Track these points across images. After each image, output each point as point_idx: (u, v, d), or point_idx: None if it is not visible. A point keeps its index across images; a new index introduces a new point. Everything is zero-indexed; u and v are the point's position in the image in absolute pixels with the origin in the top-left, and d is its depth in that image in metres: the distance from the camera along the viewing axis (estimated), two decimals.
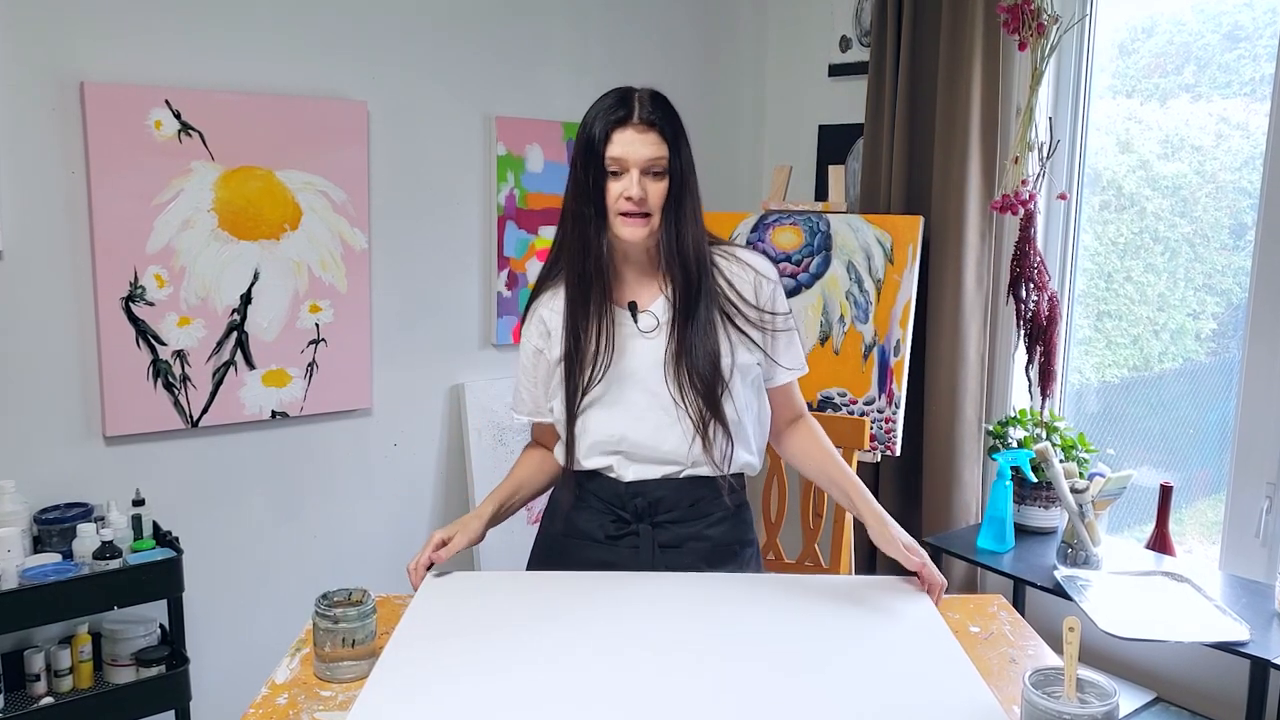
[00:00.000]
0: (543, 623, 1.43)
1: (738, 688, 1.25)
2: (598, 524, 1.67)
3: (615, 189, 1.56)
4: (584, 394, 1.62)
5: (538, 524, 1.84)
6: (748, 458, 1.68)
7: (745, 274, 1.68)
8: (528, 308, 1.72)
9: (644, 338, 1.64)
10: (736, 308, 1.65)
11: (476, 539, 1.67)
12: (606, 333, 1.61)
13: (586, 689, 1.25)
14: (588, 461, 1.65)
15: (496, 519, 1.73)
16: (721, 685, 1.25)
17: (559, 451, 1.70)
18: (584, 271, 1.59)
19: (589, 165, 1.56)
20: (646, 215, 1.57)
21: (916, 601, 1.53)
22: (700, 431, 1.60)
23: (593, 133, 1.55)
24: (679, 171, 1.57)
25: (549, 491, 1.80)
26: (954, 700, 1.24)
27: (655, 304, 1.65)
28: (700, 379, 1.60)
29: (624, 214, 1.56)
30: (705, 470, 1.64)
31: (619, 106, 1.56)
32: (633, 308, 1.65)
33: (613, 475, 1.65)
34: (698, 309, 1.61)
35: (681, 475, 1.64)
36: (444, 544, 1.63)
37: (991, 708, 1.22)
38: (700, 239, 1.62)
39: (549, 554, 1.75)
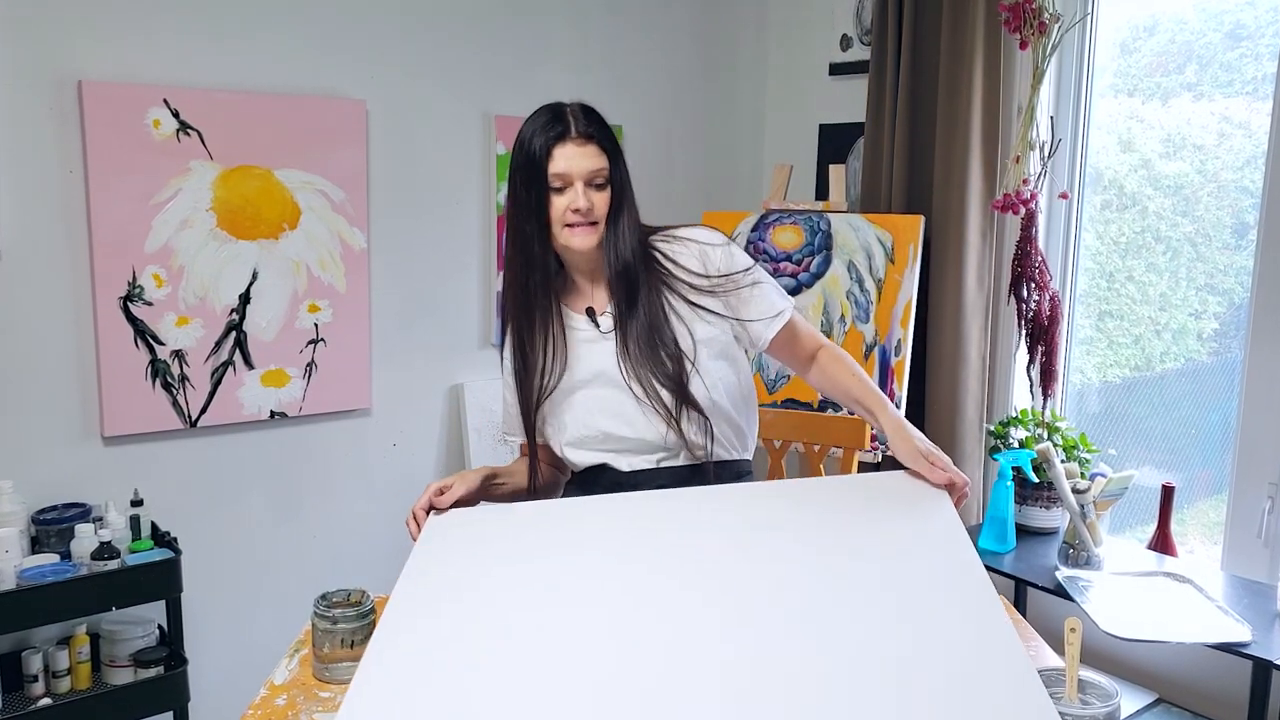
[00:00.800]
0: (557, 554, 1.38)
1: (747, 620, 1.20)
2: None
3: (560, 203, 1.59)
4: (540, 402, 1.67)
5: None
6: (736, 433, 1.69)
7: (688, 250, 1.71)
8: (504, 329, 1.75)
9: (604, 340, 1.67)
10: (685, 283, 1.67)
11: (474, 490, 1.66)
12: (555, 340, 1.66)
13: (587, 637, 1.20)
14: (578, 458, 1.67)
15: (493, 484, 1.72)
16: (733, 627, 1.20)
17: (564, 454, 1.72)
18: (528, 284, 1.64)
19: (531, 182, 1.59)
20: (594, 224, 1.61)
21: (936, 504, 1.48)
22: (673, 419, 1.61)
23: (532, 150, 1.59)
24: (619, 181, 1.63)
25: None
26: (973, 631, 1.17)
27: (611, 307, 1.69)
28: (659, 369, 1.62)
29: (570, 225, 1.60)
30: (690, 457, 1.65)
31: (555, 122, 1.59)
32: (590, 313, 1.68)
33: (613, 466, 1.67)
34: (637, 304, 1.64)
35: (678, 464, 1.65)
36: (442, 492, 1.64)
37: (1011, 642, 1.13)
38: (635, 240, 1.66)
39: None
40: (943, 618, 1.21)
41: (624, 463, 1.65)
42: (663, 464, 1.65)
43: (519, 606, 1.27)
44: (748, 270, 1.71)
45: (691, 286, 1.67)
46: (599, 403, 1.65)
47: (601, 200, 1.61)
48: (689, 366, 1.63)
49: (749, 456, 1.76)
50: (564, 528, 1.48)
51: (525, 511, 1.60)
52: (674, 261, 1.69)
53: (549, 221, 1.61)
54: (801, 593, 1.27)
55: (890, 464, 2.90)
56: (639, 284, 1.65)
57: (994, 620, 1.18)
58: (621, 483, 1.65)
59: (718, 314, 1.67)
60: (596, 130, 1.60)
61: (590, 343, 1.67)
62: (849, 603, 1.24)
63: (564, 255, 1.65)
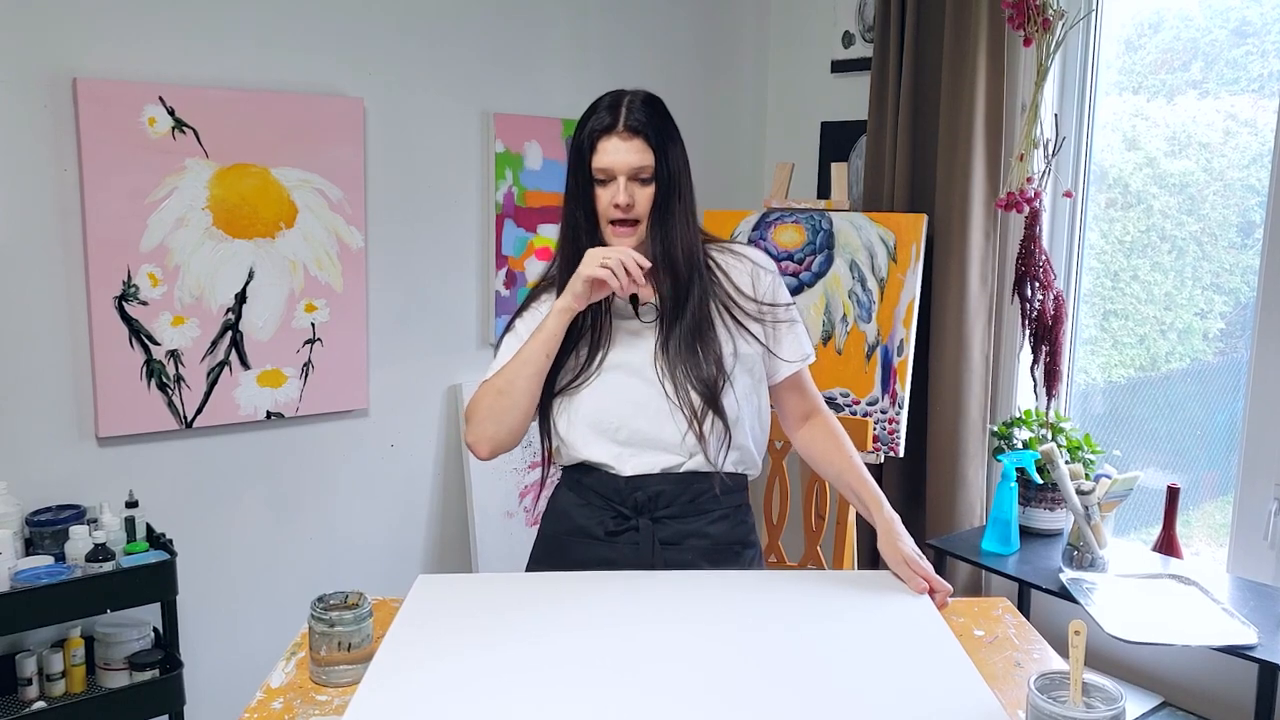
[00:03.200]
0: (536, 623, 1.42)
1: (732, 693, 1.24)
2: (597, 520, 1.67)
3: (604, 196, 1.60)
4: (574, 381, 1.64)
5: (537, 525, 1.85)
6: (747, 452, 1.69)
7: (742, 266, 1.72)
8: (524, 306, 1.74)
9: (644, 330, 1.66)
10: (734, 300, 1.68)
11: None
12: (598, 325, 1.64)
13: (577, 690, 1.25)
14: (587, 451, 1.66)
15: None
16: (716, 691, 1.25)
17: (566, 447, 1.70)
18: (571, 271, 1.61)
19: (578, 173, 1.60)
20: (635, 223, 1.60)
21: (917, 601, 1.53)
22: (696, 423, 1.61)
23: (580, 140, 1.59)
24: (666, 177, 1.60)
25: (550, 495, 1.81)
26: (958, 705, 1.23)
27: (655, 299, 1.68)
28: (694, 372, 1.62)
29: (613, 222, 1.60)
30: (702, 463, 1.65)
31: (605, 114, 1.59)
32: (634, 300, 1.67)
33: (612, 471, 1.65)
34: (687, 305, 1.63)
35: (681, 469, 1.65)
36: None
37: (995, 712, 1.22)
38: (691, 240, 1.64)
39: (549, 553, 1.75)
40: (922, 690, 1.27)
41: (628, 464, 1.64)
42: (667, 470, 1.65)
43: (501, 671, 1.29)
44: (789, 306, 1.74)
45: (739, 305, 1.68)
46: (626, 391, 1.64)
47: (645, 196, 1.59)
48: (725, 377, 1.63)
49: (755, 475, 1.76)
50: (550, 601, 1.50)
51: (514, 582, 1.62)
52: (726, 274, 1.69)
53: (596, 212, 1.61)
54: (778, 666, 1.31)
55: (892, 466, 2.90)
56: (691, 283, 1.64)
57: (974, 688, 1.26)
58: (620, 488, 1.65)
59: (755, 338, 1.69)
60: (647, 124, 1.58)
61: (631, 333, 1.67)
62: (826, 678, 1.28)
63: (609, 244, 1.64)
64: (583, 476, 1.69)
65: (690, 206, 1.65)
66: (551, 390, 1.66)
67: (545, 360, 1.60)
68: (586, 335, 1.65)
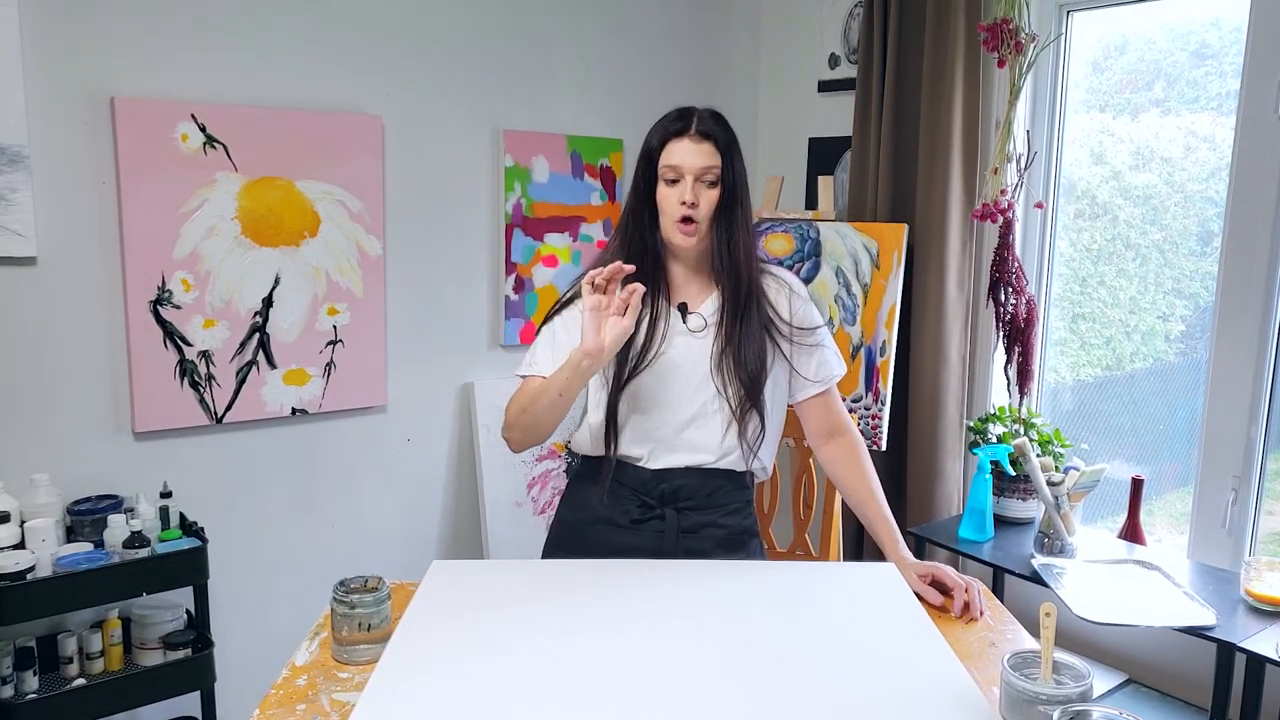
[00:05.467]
0: (543, 607, 1.42)
1: (723, 675, 1.24)
2: (622, 509, 1.67)
3: (671, 195, 1.58)
4: (628, 381, 1.62)
5: (544, 515, 1.84)
6: (767, 456, 1.70)
7: (779, 288, 1.72)
8: (573, 296, 1.69)
9: (691, 336, 1.65)
10: (771, 320, 1.68)
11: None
12: (657, 327, 1.63)
13: (582, 670, 1.25)
14: (625, 447, 1.65)
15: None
16: (709, 672, 1.25)
17: (588, 438, 1.69)
18: (640, 269, 1.59)
19: (647, 172, 1.61)
20: (697, 223, 1.59)
21: (896, 588, 1.52)
22: (738, 423, 1.62)
23: (652, 143, 1.60)
24: (730, 183, 1.59)
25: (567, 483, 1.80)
26: (934, 683, 1.23)
27: (703, 305, 1.67)
28: (745, 374, 1.61)
29: (677, 220, 1.58)
30: (732, 462, 1.65)
31: (678, 120, 1.60)
32: (682, 309, 1.66)
33: (640, 464, 1.65)
34: (750, 310, 1.63)
35: (706, 466, 1.64)
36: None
37: (969, 690, 1.22)
38: (751, 247, 1.64)
39: (569, 539, 1.73)
40: (900, 669, 1.27)
41: (659, 460, 1.64)
42: (692, 466, 1.64)
43: (510, 650, 1.29)
44: (816, 330, 1.72)
45: (774, 325, 1.68)
46: (672, 393, 1.62)
47: (710, 198, 1.58)
48: (765, 380, 1.64)
49: (764, 478, 1.77)
50: (556, 586, 1.50)
51: (523, 568, 1.62)
52: (764, 294, 1.69)
53: (660, 212, 1.61)
54: (768, 654, 1.30)
55: (875, 459, 2.89)
56: (751, 288, 1.64)
57: (949, 666, 1.26)
58: (645, 479, 1.64)
59: (784, 356, 1.69)
60: (715, 130, 1.58)
61: (679, 335, 1.65)
62: (809, 662, 1.28)
63: (668, 245, 1.64)
64: (608, 467, 1.66)
65: (750, 217, 1.65)
66: (616, 397, 1.63)
67: (560, 400, 1.56)
68: (641, 337, 1.62)
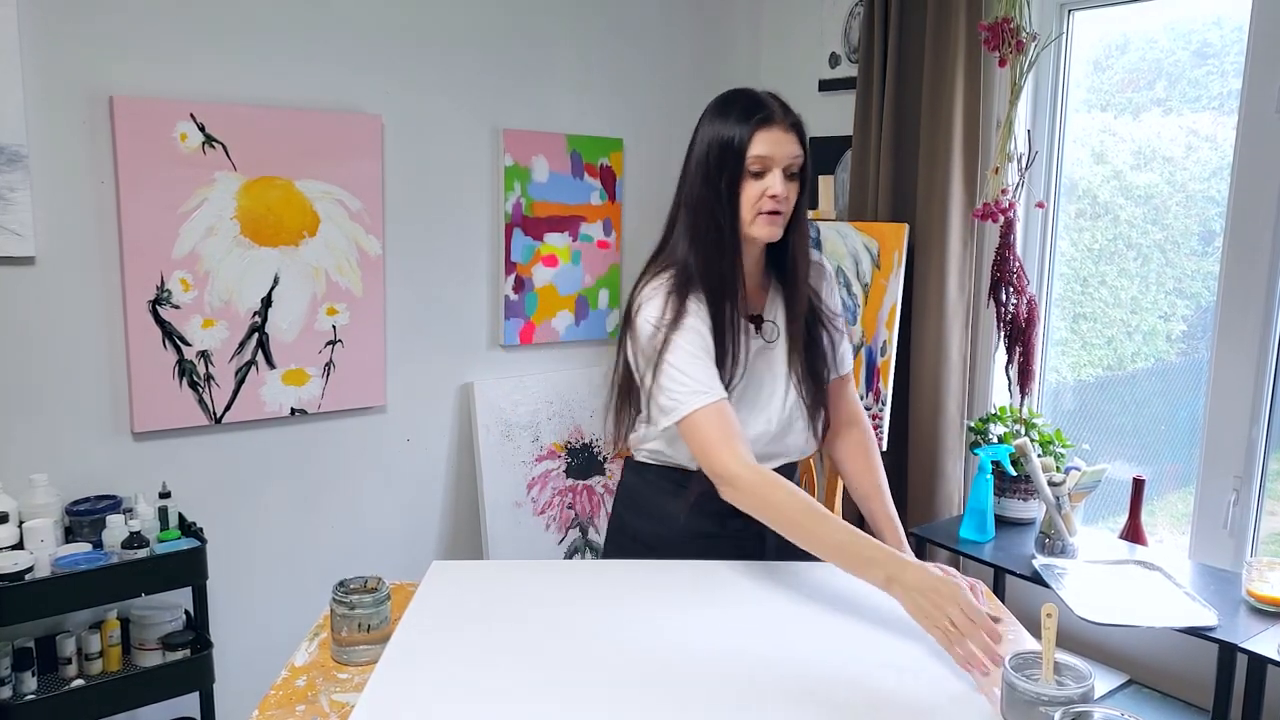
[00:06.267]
0: (541, 607, 1.42)
1: (722, 675, 1.23)
2: (715, 521, 1.60)
3: (756, 187, 1.48)
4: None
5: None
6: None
7: (821, 276, 1.68)
8: (683, 303, 1.51)
9: (766, 346, 1.60)
10: (818, 310, 1.65)
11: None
12: (740, 333, 1.54)
13: (579, 669, 1.24)
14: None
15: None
16: (708, 672, 1.24)
17: (671, 451, 1.61)
18: (719, 270, 1.51)
19: (725, 166, 1.48)
20: (781, 214, 1.51)
21: None
22: (813, 419, 1.61)
23: (732, 134, 1.47)
24: (807, 176, 1.53)
25: (619, 496, 1.74)
26: (933, 684, 1.23)
27: (769, 310, 1.62)
28: (816, 374, 1.60)
29: (763, 213, 1.49)
30: (809, 453, 1.65)
31: (759, 107, 1.49)
32: (756, 320, 1.60)
33: None
34: (811, 318, 1.61)
35: (785, 463, 1.64)
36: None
37: (970, 690, 1.21)
38: (808, 246, 1.61)
39: (647, 555, 1.64)
40: (900, 670, 1.26)
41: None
42: (778, 468, 1.61)
43: (508, 650, 1.29)
44: (838, 316, 1.69)
45: (820, 312, 1.65)
46: (760, 407, 1.58)
47: (793, 190, 1.51)
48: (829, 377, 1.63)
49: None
50: (554, 586, 1.49)
51: (522, 569, 1.61)
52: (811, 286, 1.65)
53: (740, 207, 1.49)
54: (765, 653, 1.30)
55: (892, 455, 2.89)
56: (803, 289, 1.60)
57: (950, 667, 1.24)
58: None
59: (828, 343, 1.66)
60: (797, 119, 1.51)
61: (758, 348, 1.59)
62: (807, 660, 1.27)
63: (742, 242, 1.53)
64: (690, 482, 1.57)
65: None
66: None
67: (832, 561, 1.39)
68: (735, 353, 1.54)
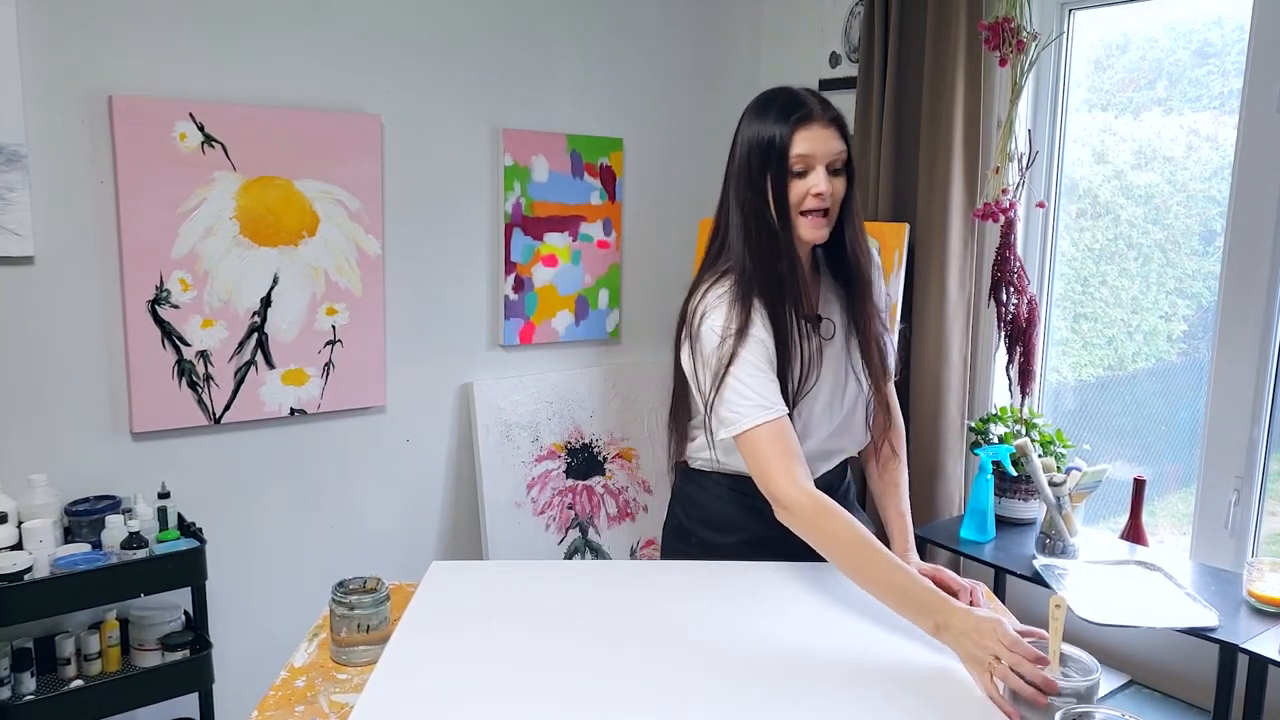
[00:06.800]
0: (540, 608, 1.42)
1: (723, 675, 1.24)
2: (776, 526, 1.56)
3: (800, 186, 1.47)
4: (797, 401, 1.51)
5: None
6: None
7: (873, 268, 1.64)
8: (748, 314, 1.49)
9: (827, 345, 1.58)
10: (875, 302, 1.63)
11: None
12: (807, 337, 1.52)
13: (577, 670, 1.24)
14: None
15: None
16: (709, 672, 1.24)
17: (730, 459, 1.60)
18: (779, 277, 1.49)
19: (768, 165, 1.46)
20: (826, 213, 1.49)
21: None
22: (869, 417, 1.62)
23: (773, 133, 1.46)
24: (852, 170, 1.51)
25: (676, 501, 1.73)
26: (935, 685, 1.23)
27: (827, 307, 1.60)
28: (878, 370, 1.59)
29: (807, 212, 1.47)
30: (860, 449, 1.67)
31: (798, 105, 1.47)
32: (815, 320, 1.57)
33: None
34: (869, 313, 1.58)
35: (844, 458, 1.65)
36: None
37: (972, 691, 1.21)
38: (865, 240, 1.58)
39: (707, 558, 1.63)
40: (903, 669, 1.27)
41: (817, 469, 1.60)
42: (840, 462, 1.63)
43: (507, 651, 1.29)
44: (883, 311, 1.66)
45: (877, 304, 1.63)
46: (822, 411, 1.57)
47: (839, 186, 1.48)
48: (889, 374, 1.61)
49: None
50: (554, 587, 1.49)
51: (522, 569, 1.61)
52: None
53: (789, 208, 1.47)
54: (762, 652, 1.30)
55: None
56: (865, 289, 1.57)
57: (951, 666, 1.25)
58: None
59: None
60: (837, 114, 1.48)
61: (819, 349, 1.56)
62: (810, 661, 1.28)
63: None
64: (750, 488, 1.53)
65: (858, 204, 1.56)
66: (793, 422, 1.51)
67: (885, 601, 1.36)
68: (797, 360, 1.52)
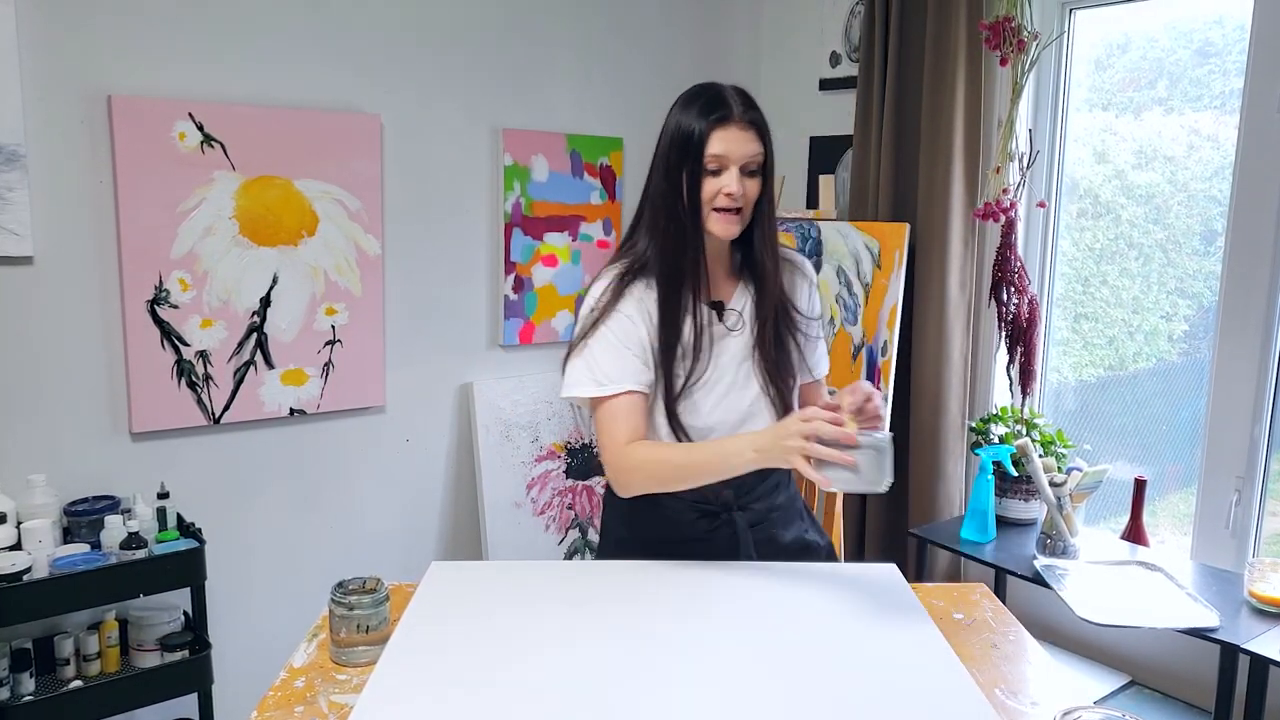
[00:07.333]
0: (540, 608, 1.42)
1: (724, 675, 1.24)
2: (689, 523, 1.62)
3: (713, 185, 1.50)
4: (686, 388, 1.56)
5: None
6: None
7: (799, 278, 1.68)
8: (620, 293, 1.56)
9: (729, 335, 1.61)
10: (791, 310, 1.65)
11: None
12: (703, 329, 1.57)
13: (579, 671, 1.24)
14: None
15: None
16: (709, 673, 1.24)
17: None
18: (680, 265, 1.53)
19: (685, 162, 1.50)
20: (739, 212, 1.52)
21: (898, 589, 1.52)
22: (779, 416, 1.60)
23: (691, 130, 1.49)
24: (769, 171, 1.54)
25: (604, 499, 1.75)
26: (934, 685, 1.23)
27: (736, 300, 1.62)
28: (782, 369, 1.60)
29: (719, 209, 1.51)
30: None
31: (718, 105, 1.49)
32: (718, 306, 1.61)
33: None
34: (776, 309, 1.60)
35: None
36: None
37: (971, 691, 1.21)
38: (776, 240, 1.61)
39: (634, 557, 1.64)
40: (901, 671, 1.27)
41: None
42: None
43: (507, 651, 1.29)
44: (818, 320, 1.69)
45: (789, 313, 1.64)
46: (727, 398, 1.59)
47: (752, 188, 1.52)
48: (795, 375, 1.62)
49: None
50: (553, 586, 1.49)
51: (521, 569, 1.60)
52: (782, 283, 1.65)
53: (701, 203, 1.51)
54: (763, 653, 1.30)
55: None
56: (777, 280, 1.60)
57: (951, 668, 1.26)
58: (707, 489, 1.57)
59: (797, 345, 1.66)
60: (757, 117, 1.51)
61: (720, 335, 1.60)
62: (808, 662, 1.28)
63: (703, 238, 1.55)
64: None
65: (775, 205, 1.59)
66: (672, 400, 1.56)
67: (714, 479, 1.49)
68: (698, 341, 1.57)
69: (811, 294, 1.70)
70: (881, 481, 1.30)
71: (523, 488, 2.97)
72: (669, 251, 1.54)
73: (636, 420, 1.53)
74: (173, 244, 2.34)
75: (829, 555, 1.75)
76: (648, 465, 1.51)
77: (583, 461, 3.11)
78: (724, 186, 1.49)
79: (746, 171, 1.51)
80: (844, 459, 1.28)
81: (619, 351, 1.54)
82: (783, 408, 1.61)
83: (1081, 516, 2.45)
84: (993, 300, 2.67)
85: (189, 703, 2.31)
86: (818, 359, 1.71)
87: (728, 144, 1.48)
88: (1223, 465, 2.35)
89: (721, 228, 1.52)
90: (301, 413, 2.60)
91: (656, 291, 1.56)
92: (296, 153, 2.48)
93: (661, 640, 1.33)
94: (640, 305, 1.56)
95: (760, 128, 1.51)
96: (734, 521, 1.62)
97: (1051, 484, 2.32)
